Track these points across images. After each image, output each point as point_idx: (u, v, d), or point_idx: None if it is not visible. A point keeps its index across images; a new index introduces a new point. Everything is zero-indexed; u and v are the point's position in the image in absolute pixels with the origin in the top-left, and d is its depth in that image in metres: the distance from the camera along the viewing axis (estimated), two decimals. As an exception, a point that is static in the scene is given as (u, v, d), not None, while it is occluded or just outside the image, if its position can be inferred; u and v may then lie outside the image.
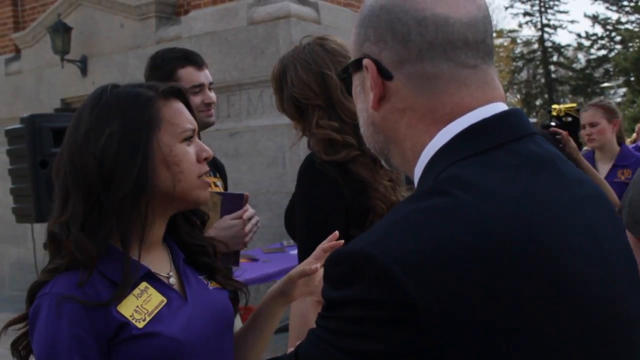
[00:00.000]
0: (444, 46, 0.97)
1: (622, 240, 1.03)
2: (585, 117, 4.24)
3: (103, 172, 1.34)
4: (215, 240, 1.62)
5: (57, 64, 8.54)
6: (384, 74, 1.01)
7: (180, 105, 1.47)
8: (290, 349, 1.04)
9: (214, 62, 6.53)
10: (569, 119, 4.35)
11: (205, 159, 1.47)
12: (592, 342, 0.90)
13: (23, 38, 9.29)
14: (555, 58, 35.81)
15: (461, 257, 0.84)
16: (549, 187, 0.94)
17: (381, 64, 1.00)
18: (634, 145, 6.29)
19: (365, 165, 1.95)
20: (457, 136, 0.97)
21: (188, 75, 2.57)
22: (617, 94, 32.08)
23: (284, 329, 4.49)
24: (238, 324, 2.11)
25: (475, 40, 0.99)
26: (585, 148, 4.67)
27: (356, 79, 1.09)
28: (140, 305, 1.35)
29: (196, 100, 2.53)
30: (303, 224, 1.99)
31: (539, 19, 35.41)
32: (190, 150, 1.44)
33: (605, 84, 32.16)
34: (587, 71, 34.23)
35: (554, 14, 35.55)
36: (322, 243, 1.55)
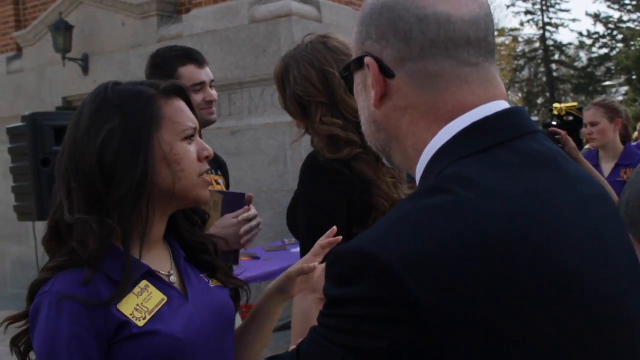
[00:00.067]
0: (446, 44, 0.97)
1: (625, 239, 1.03)
2: (586, 116, 4.24)
3: (103, 169, 1.34)
4: (216, 238, 1.62)
5: (58, 63, 8.55)
6: (385, 72, 1.01)
7: (181, 104, 1.47)
8: (293, 347, 1.04)
9: (216, 61, 6.53)
10: (570, 118, 4.35)
11: (206, 157, 1.47)
12: (593, 342, 0.90)
13: (25, 37, 9.30)
14: (557, 57, 35.76)
15: (463, 255, 0.83)
16: (551, 186, 0.93)
17: (383, 62, 1.00)
18: (635, 143, 6.28)
19: (368, 163, 1.95)
20: (459, 134, 0.96)
21: (189, 73, 2.57)
22: (619, 93, 32.03)
23: (285, 327, 4.49)
24: (238, 322, 2.11)
25: (477, 38, 0.99)
26: (586, 147, 4.66)
27: (358, 77, 1.09)
28: (141, 304, 1.34)
29: (197, 98, 2.53)
30: (305, 222, 1.99)
31: (540, 17, 35.35)
32: (192, 148, 1.44)
33: (607, 83, 32.10)
34: (589, 70, 34.19)
35: (555, 13, 35.50)
36: (320, 239, 1.54)
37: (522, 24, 41.58)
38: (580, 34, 35.85)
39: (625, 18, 33.09)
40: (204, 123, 2.52)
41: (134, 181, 1.34)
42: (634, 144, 5.26)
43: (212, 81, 2.67)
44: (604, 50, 33.99)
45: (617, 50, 32.65)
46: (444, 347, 0.82)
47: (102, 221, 1.33)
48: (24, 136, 4.07)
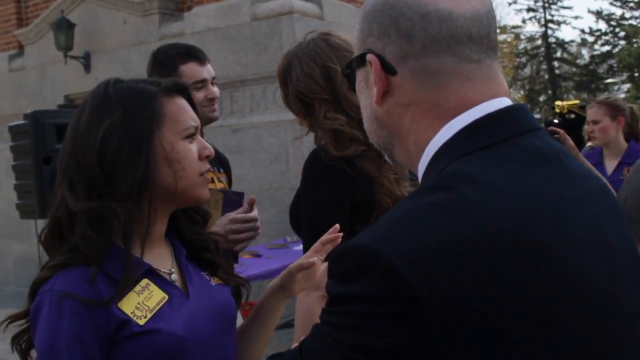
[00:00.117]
0: (448, 41, 0.97)
1: (627, 236, 1.03)
2: (589, 114, 4.25)
3: (104, 166, 1.34)
4: (217, 235, 1.62)
5: (60, 61, 8.55)
6: (387, 69, 1.00)
7: (183, 102, 1.46)
8: (295, 344, 1.04)
9: (217, 58, 6.53)
10: (572, 115, 4.35)
11: (207, 157, 1.46)
12: (594, 339, 0.89)
13: (26, 34, 9.30)
14: (558, 54, 35.70)
15: (465, 253, 0.83)
16: (553, 183, 0.93)
17: (385, 59, 1.00)
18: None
19: (371, 160, 1.95)
20: (461, 131, 0.96)
21: (190, 70, 2.57)
22: (621, 90, 32.01)
23: (287, 324, 4.49)
24: (239, 320, 2.11)
25: (479, 35, 0.98)
26: (588, 144, 4.66)
27: (360, 75, 1.09)
28: (142, 302, 1.34)
29: (199, 95, 2.53)
30: (308, 219, 1.99)
31: (542, 14, 35.28)
32: (193, 147, 1.43)
33: (609, 80, 32.08)
34: (591, 67, 34.13)
35: (557, 10, 35.42)
36: (323, 236, 1.54)
37: (524, 21, 41.59)
38: (582, 31, 35.87)
39: (628, 15, 33.04)
40: (206, 120, 2.53)
41: (136, 179, 1.34)
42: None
43: (214, 78, 2.67)
44: (606, 48, 33.92)
45: (619, 47, 32.59)
46: (446, 344, 0.81)
47: (111, 208, 1.33)
48: (26, 134, 4.07)
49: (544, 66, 35.71)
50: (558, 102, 4.44)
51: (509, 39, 35.86)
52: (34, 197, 4.03)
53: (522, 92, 35.77)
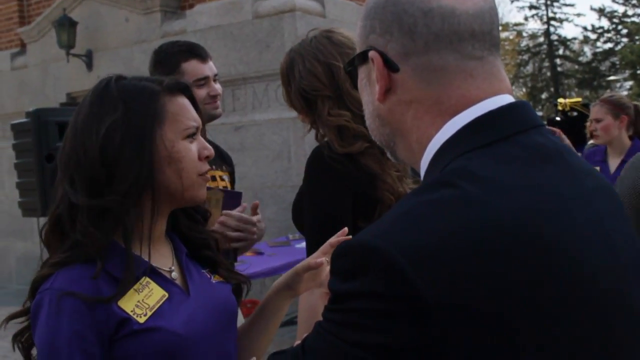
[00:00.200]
0: (450, 37, 0.97)
1: (629, 232, 1.02)
2: (592, 112, 4.26)
3: (105, 163, 1.34)
4: (217, 234, 1.62)
5: (62, 59, 8.56)
6: (390, 66, 1.00)
7: (185, 101, 1.46)
8: (298, 342, 1.04)
9: (219, 56, 6.53)
10: (574, 113, 4.35)
11: (207, 157, 1.46)
12: (598, 334, 0.89)
13: (28, 33, 9.31)
14: (561, 51, 35.67)
15: (467, 250, 0.83)
16: (556, 179, 0.93)
17: (387, 55, 1.00)
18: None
19: (374, 157, 1.95)
20: (464, 128, 0.96)
21: (192, 68, 2.57)
22: (624, 87, 31.97)
23: (290, 322, 4.49)
24: (239, 317, 2.11)
25: (481, 32, 0.98)
26: (590, 142, 4.66)
27: (362, 72, 1.08)
28: (142, 300, 1.34)
29: (201, 93, 2.53)
30: (311, 217, 1.99)
31: (544, 12, 35.25)
32: (193, 147, 1.43)
33: (612, 77, 32.06)
34: (593, 64, 34.10)
35: (559, 7, 35.38)
36: (331, 238, 1.54)
37: (526, 18, 41.58)
38: (585, 29, 35.85)
39: (630, 12, 33.02)
40: (209, 117, 2.52)
41: (138, 177, 1.34)
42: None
43: (216, 75, 2.67)
44: (609, 45, 33.91)
45: (622, 44, 32.58)
46: (448, 342, 0.81)
47: (118, 202, 1.33)
48: (28, 132, 4.07)
49: (546, 64, 35.69)
50: (560, 100, 4.44)
51: (511, 37, 35.85)
52: (37, 195, 4.04)
53: (524, 90, 35.76)
